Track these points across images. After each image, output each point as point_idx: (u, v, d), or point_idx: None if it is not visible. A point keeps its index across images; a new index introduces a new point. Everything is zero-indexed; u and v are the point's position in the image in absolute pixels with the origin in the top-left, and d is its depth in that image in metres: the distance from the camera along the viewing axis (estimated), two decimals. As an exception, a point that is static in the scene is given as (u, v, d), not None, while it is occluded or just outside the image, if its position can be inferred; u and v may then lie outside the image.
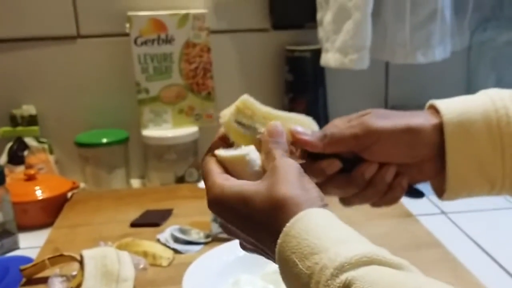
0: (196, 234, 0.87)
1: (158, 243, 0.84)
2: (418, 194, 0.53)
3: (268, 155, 0.45)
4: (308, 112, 1.18)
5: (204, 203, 0.89)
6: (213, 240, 0.85)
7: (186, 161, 1.13)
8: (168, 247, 0.83)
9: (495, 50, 1.16)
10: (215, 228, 0.87)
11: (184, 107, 1.15)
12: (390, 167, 0.50)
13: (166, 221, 0.93)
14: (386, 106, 1.23)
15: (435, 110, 0.50)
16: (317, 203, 0.42)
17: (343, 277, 0.35)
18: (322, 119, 1.17)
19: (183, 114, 1.15)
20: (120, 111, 1.17)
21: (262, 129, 0.47)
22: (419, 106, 1.19)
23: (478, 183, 0.49)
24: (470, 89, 1.21)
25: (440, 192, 0.51)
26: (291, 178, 0.43)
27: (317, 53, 1.10)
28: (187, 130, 1.14)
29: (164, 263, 0.79)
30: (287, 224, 0.39)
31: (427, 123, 0.49)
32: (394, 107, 1.19)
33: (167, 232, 0.87)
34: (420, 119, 0.49)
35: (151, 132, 1.13)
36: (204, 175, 0.46)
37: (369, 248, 0.37)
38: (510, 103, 0.47)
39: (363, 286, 0.34)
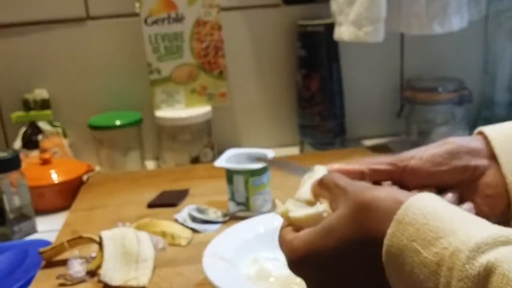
0: (213, 213, 0.86)
1: (176, 223, 0.84)
2: None
3: (333, 191, 0.42)
4: (322, 88, 1.18)
5: (220, 182, 0.89)
6: (231, 218, 0.85)
7: (201, 141, 1.12)
8: (186, 226, 0.83)
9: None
10: (233, 207, 0.87)
11: (196, 86, 1.14)
12: (449, 192, 0.45)
13: (183, 201, 0.93)
14: (402, 79, 1.21)
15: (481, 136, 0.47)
16: (413, 195, 0.38)
17: (483, 259, 0.31)
18: (336, 95, 1.16)
19: (196, 94, 1.14)
20: (133, 93, 1.16)
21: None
22: (436, 79, 1.17)
23: None
24: (487, 60, 1.18)
25: (507, 223, 0.46)
26: (369, 185, 0.41)
27: (330, 27, 1.08)
28: (200, 110, 1.12)
29: (183, 242, 0.79)
30: (398, 212, 0.36)
31: (467, 138, 0.46)
32: (410, 80, 1.17)
33: (184, 212, 0.86)
34: (458, 137, 0.47)
35: (164, 113, 1.12)
36: (279, 243, 0.43)
37: (502, 228, 0.33)
38: None
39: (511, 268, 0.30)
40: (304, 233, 0.41)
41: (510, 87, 1.15)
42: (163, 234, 0.79)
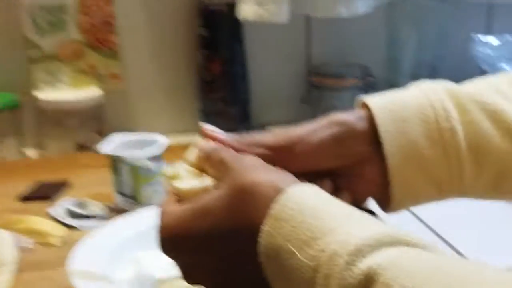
0: (95, 207, 0.77)
1: (49, 219, 0.73)
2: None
3: (216, 166, 0.38)
4: (225, 70, 1.10)
5: (107, 172, 0.79)
6: (117, 213, 0.75)
7: (89, 127, 1.02)
8: (62, 223, 0.73)
9: (416, 7, 1.12)
10: (119, 200, 0.77)
11: (83, 66, 1.02)
12: (324, 180, 0.41)
13: (62, 194, 0.82)
14: (309, 64, 1.16)
15: (363, 107, 0.42)
16: (299, 182, 0.34)
17: (363, 265, 0.27)
18: (240, 79, 1.09)
19: (83, 74, 1.03)
20: (7, 71, 1.02)
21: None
22: (343, 65, 1.14)
23: (424, 187, 0.41)
24: (392, 46, 1.16)
25: (384, 203, 0.43)
26: (256, 164, 0.37)
27: (234, 5, 1.00)
28: (88, 92, 1.02)
29: (55, 241, 0.69)
30: (273, 206, 0.32)
31: (354, 115, 0.41)
32: (316, 66, 1.12)
33: (61, 206, 0.76)
34: (344, 114, 0.42)
35: (46, 95, 1.00)
36: (158, 215, 0.38)
37: (386, 226, 0.29)
38: (445, 97, 0.41)
39: (396, 278, 0.26)
40: (181, 209, 0.36)
41: (414, 75, 1.14)
42: (31, 232, 0.69)
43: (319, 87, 1.09)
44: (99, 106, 1.03)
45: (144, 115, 1.12)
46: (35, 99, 1.00)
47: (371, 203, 0.43)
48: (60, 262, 0.64)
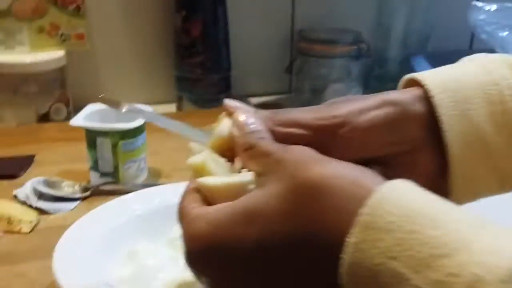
0: (68, 187, 0.66)
1: (15, 201, 0.63)
2: None
3: (257, 157, 0.30)
4: (205, 34, 0.99)
5: (78, 146, 0.69)
6: (93, 194, 0.65)
7: (51, 94, 0.90)
8: (30, 206, 0.62)
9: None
10: (95, 179, 0.67)
11: (45, 25, 0.90)
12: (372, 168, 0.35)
13: (26, 172, 0.71)
14: (293, 29, 1.07)
15: (416, 85, 0.36)
16: (382, 179, 0.26)
17: None
18: (222, 43, 0.99)
19: (44, 33, 0.91)
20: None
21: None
22: (331, 30, 1.06)
23: (486, 179, 0.36)
24: (382, 12, 1.08)
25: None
26: (314, 154, 0.29)
27: (216, -40, 0.90)
28: (50, 55, 0.90)
29: (25, 228, 0.58)
30: (364, 211, 0.24)
31: (408, 94, 0.35)
32: (303, 31, 1.03)
33: (27, 186, 0.65)
34: (396, 93, 0.36)
35: (1, 57, 0.88)
36: (179, 218, 0.30)
37: None
38: (509, 73, 0.35)
39: None
40: (216, 210, 0.29)
41: (404, 43, 1.07)
42: (-2, 219, 0.58)
43: (307, 54, 1.01)
44: (63, 71, 0.92)
45: (113, 81, 1.00)
46: (-12, 62, 0.87)
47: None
48: (33, 254, 0.55)
